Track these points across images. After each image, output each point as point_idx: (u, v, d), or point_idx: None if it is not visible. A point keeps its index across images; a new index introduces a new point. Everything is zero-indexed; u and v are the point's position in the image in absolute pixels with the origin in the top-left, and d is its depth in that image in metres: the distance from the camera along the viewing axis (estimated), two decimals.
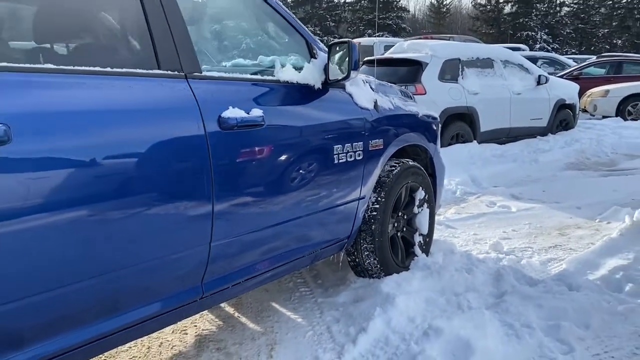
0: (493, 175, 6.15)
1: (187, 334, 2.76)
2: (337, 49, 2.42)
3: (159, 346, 2.65)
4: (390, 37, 22.66)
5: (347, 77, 2.37)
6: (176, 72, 1.85)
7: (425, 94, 6.33)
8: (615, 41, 46.82)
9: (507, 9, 50.21)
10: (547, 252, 3.71)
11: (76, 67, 1.56)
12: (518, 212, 4.81)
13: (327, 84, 2.46)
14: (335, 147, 2.48)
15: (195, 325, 2.83)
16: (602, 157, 7.37)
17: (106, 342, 1.68)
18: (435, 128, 3.36)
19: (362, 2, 48.49)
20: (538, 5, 48.77)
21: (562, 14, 49.64)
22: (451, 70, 6.82)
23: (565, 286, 2.99)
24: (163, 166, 1.73)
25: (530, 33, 46.68)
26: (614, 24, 48.00)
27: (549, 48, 44.10)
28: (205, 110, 1.88)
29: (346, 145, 2.54)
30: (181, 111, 1.81)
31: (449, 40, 11.60)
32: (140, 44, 1.82)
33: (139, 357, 2.56)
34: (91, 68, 1.58)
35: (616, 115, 10.65)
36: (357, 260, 3.00)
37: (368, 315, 2.70)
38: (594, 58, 20.38)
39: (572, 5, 49.95)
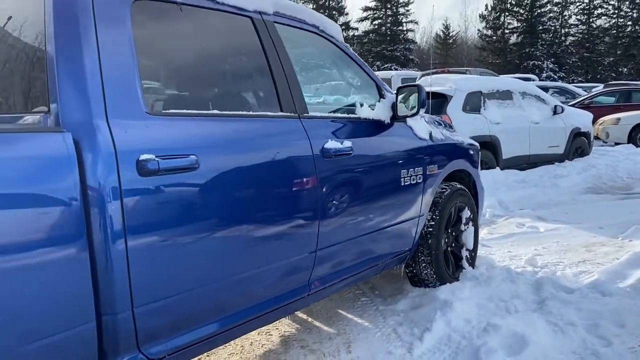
0: (518, 199, 6.58)
1: (272, 335, 3.18)
2: (404, 90, 2.91)
3: (250, 345, 3.07)
4: (405, 70, 23.39)
5: (416, 114, 2.85)
6: (292, 114, 2.34)
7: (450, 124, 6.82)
8: (620, 69, 47.53)
9: (513, 39, 51.28)
10: (577, 266, 4.12)
11: (235, 112, 2.06)
12: (546, 232, 5.22)
13: (395, 119, 2.94)
14: (402, 171, 2.95)
15: (277, 329, 3.25)
16: (618, 181, 7.79)
17: (247, 325, 2.12)
18: (476, 154, 3.83)
19: (370, 35, 49.75)
20: (543, 35, 49.79)
21: (567, 43, 50.58)
22: (474, 102, 7.33)
23: (599, 293, 3.40)
24: (287, 187, 2.20)
25: (536, 62, 47.55)
26: (618, 52, 48.76)
27: (556, 77, 44.86)
28: (313, 143, 2.36)
29: (410, 170, 3.00)
30: (298, 144, 2.29)
31: (465, 73, 12.18)
32: (269, 94, 2.31)
33: (235, 354, 2.98)
34: (244, 112, 2.08)
35: (628, 142, 11.09)
36: (414, 271, 3.43)
37: (429, 318, 3.11)
38: (601, 86, 20.96)
39: (576, 34, 50.92)
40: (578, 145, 8.92)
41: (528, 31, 49.72)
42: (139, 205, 1.66)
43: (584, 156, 8.98)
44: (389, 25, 50.20)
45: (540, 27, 49.80)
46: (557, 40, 50.24)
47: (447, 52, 57.18)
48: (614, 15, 49.20)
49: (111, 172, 1.60)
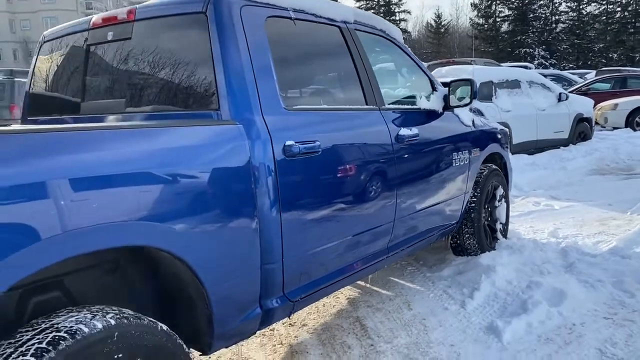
0: (530, 180, 7.09)
1: (339, 298, 3.66)
2: (455, 83, 3.39)
3: (323, 306, 3.56)
4: None
5: (469, 103, 3.33)
6: (375, 107, 2.81)
7: None
8: (610, 55, 48.20)
9: (505, 27, 51.83)
10: (594, 237, 4.63)
11: (339, 106, 2.53)
12: (561, 209, 5.74)
13: (447, 109, 3.42)
14: (454, 154, 3.43)
15: (342, 293, 3.74)
16: (620, 163, 8.33)
17: (353, 276, 2.63)
18: (506, 139, 4.32)
19: None
20: (534, 22, 50.35)
21: (558, 30, 51.19)
22: (486, 91, 7.83)
23: (619, 257, 3.91)
24: (375, 167, 2.68)
25: (528, 50, 48.13)
26: (608, 38, 49.40)
27: (547, 64, 45.45)
28: (391, 130, 2.83)
29: (459, 152, 3.49)
30: (381, 132, 2.77)
31: (470, 63, 12.66)
32: (356, 90, 2.77)
33: (313, 313, 3.46)
34: (345, 106, 2.55)
35: (625, 127, 11.66)
36: (458, 242, 3.93)
37: (476, 280, 3.61)
38: (593, 73, 21.52)
39: (567, 21, 51.51)
40: (581, 130, 9.46)
41: (519, 19, 50.24)
42: (287, 180, 2.13)
43: (586, 140, 9.52)
44: (382, 15, 50.50)
45: (531, 15, 50.34)
46: (548, 28, 50.80)
47: (440, 41, 57.66)
48: (604, 2, 49.78)
49: (268, 154, 2.07)
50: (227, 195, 1.91)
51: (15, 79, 10.67)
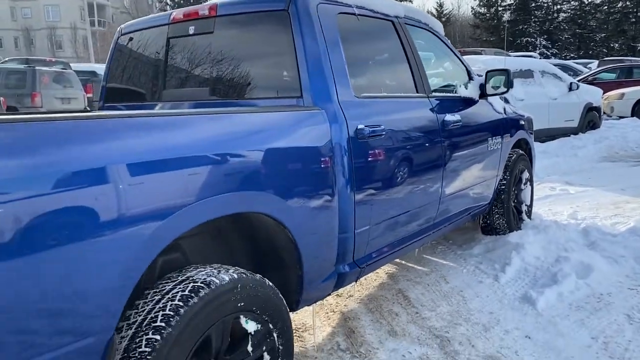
0: (544, 167, 7.37)
1: (379, 274, 3.95)
2: (490, 73, 3.66)
3: (365, 279, 3.84)
4: None
5: (506, 92, 3.60)
6: (424, 94, 3.08)
7: None
8: (612, 45, 48.31)
9: (506, 16, 51.87)
10: (611, 219, 4.91)
11: (397, 94, 2.81)
12: (576, 194, 6.03)
13: (483, 96, 3.69)
14: (489, 139, 3.71)
15: (381, 269, 4.03)
16: (629, 150, 8.62)
17: (408, 247, 2.93)
18: (531, 125, 4.59)
19: None
20: (536, 12, 50.40)
21: (560, 19, 51.26)
22: None
23: (637, 236, 4.20)
24: (427, 149, 2.95)
25: (529, 39, 48.24)
26: (609, 28, 49.46)
27: (549, 53, 45.60)
28: (438, 116, 3.10)
29: (493, 138, 3.77)
30: (430, 118, 3.04)
31: (480, 53, 12.91)
32: (408, 79, 3.04)
33: (358, 285, 3.75)
34: (400, 94, 2.83)
35: (632, 116, 11.93)
36: (488, 221, 4.21)
37: (506, 256, 3.90)
38: (595, 62, 21.75)
39: (568, 11, 51.54)
40: (590, 119, 9.73)
41: (521, 8, 50.20)
42: (358, 159, 2.40)
43: (595, 129, 9.80)
44: None
45: (533, 4, 50.32)
46: (549, 17, 50.82)
47: None
48: None
49: (344, 136, 2.34)
50: (315, 170, 2.19)
51: (37, 68, 10.90)
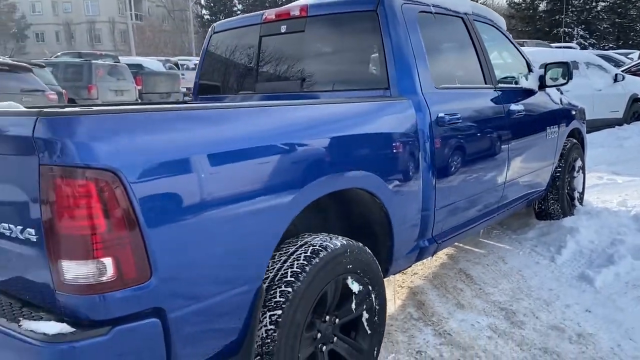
0: (590, 157, 7.43)
1: (438, 254, 4.21)
2: (549, 65, 3.86)
3: (428, 260, 4.11)
4: None
5: (566, 83, 3.81)
6: (492, 85, 3.32)
7: None
8: None
9: (542, 6, 50.88)
10: None
11: (469, 85, 3.06)
12: (624, 183, 6.15)
13: (542, 88, 3.90)
14: (547, 127, 3.92)
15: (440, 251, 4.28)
16: None
17: (478, 226, 3.19)
18: (584, 116, 4.77)
19: None
20: (574, 1, 49.33)
21: (599, 9, 50.03)
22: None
23: None
24: (495, 137, 3.19)
25: (566, 29, 47.28)
26: None
27: (586, 44, 44.61)
28: (504, 106, 3.34)
29: (551, 127, 3.98)
30: (498, 108, 3.28)
31: (522, 45, 12.91)
32: (477, 72, 3.28)
33: (420, 264, 4.02)
34: (472, 85, 3.08)
35: None
36: (543, 207, 4.43)
37: (561, 240, 4.11)
38: (637, 53, 21.27)
39: (608, 0, 50.31)
40: (635, 110, 9.74)
41: None
42: (439, 144, 2.67)
43: None
44: None
45: None
46: (587, 7, 49.64)
47: None
48: None
49: (427, 123, 2.61)
50: (404, 153, 2.47)
51: (92, 61, 11.44)
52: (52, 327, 1.39)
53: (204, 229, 1.61)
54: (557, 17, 48.24)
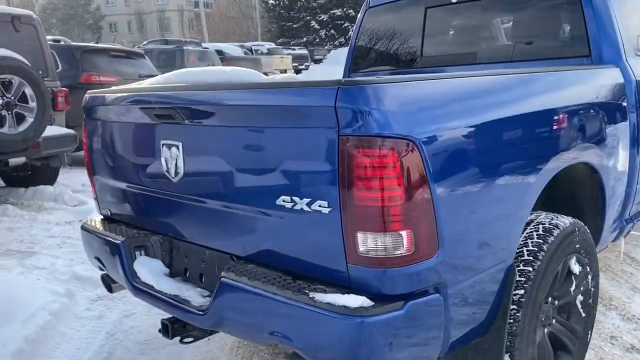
0: None
1: None
2: None
3: None
4: None
5: None
6: None
7: None
8: None
9: None
10: None
11: None
12: None
13: None
14: None
15: None
16: None
17: None
18: None
19: None
20: None
21: None
22: None
23: None
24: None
25: None
26: None
27: None
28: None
29: None
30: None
31: None
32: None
33: None
34: None
35: None
36: None
37: None
38: None
39: None
40: None
41: None
42: None
43: None
44: None
45: None
46: None
47: None
48: None
49: (633, 92, 2.42)
50: (616, 122, 2.30)
51: (184, 48, 11.70)
52: (352, 300, 1.36)
53: (479, 199, 1.54)
54: None
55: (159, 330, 2.00)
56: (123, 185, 2.16)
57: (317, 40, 40.49)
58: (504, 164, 1.63)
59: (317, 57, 32.70)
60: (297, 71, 23.62)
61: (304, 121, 1.41)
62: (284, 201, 1.50)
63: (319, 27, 41.05)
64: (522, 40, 2.69)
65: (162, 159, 1.86)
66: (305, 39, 40.48)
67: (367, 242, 1.36)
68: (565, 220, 1.98)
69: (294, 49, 29.56)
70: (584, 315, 2.17)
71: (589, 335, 2.21)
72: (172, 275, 2.04)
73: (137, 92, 1.97)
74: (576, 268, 2.08)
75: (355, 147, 1.33)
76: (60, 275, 3.31)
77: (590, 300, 2.19)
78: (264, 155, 1.54)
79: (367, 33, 3.36)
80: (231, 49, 17.89)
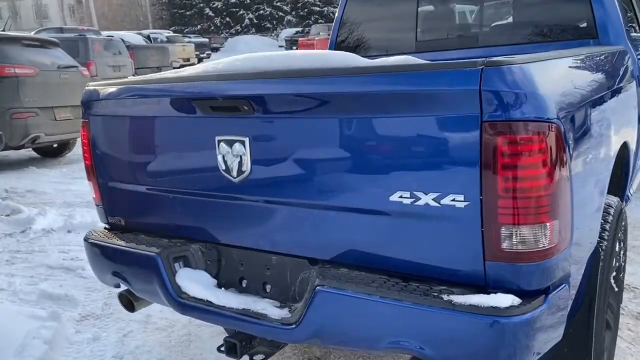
0: None
1: None
2: None
3: None
4: None
5: None
6: None
7: None
8: None
9: None
10: None
11: None
12: None
13: None
14: None
15: None
16: None
17: None
18: None
19: None
20: None
21: None
22: None
23: None
24: None
25: None
26: None
27: None
28: None
29: None
30: None
31: None
32: None
33: None
34: None
35: None
36: None
37: None
38: None
39: None
40: None
41: None
42: None
43: None
44: None
45: None
46: None
47: None
48: None
49: (637, 69, 2.54)
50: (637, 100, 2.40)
51: (88, 36, 10.77)
52: (501, 300, 1.26)
53: (589, 180, 1.52)
54: None
55: (220, 350, 1.77)
56: (150, 189, 1.88)
57: (212, 28, 39.38)
58: (604, 142, 1.62)
59: (214, 45, 31.87)
60: (200, 60, 22.84)
61: (435, 107, 1.28)
62: (400, 197, 1.35)
63: (213, 15, 39.93)
64: (523, 24, 2.72)
65: (219, 157, 1.63)
66: (199, 26, 39.19)
67: (512, 237, 1.27)
68: (614, 199, 2.02)
69: (190, 37, 28.64)
70: (616, 290, 2.24)
71: (619, 310, 2.29)
72: (221, 286, 1.81)
73: (183, 82, 1.70)
74: (617, 246, 2.14)
75: (502, 133, 1.22)
76: (26, 295, 2.87)
77: (621, 275, 2.27)
78: (376, 148, 1.38)
79: (353, 16, 3.23)
80: (132, 37, 16.77)
